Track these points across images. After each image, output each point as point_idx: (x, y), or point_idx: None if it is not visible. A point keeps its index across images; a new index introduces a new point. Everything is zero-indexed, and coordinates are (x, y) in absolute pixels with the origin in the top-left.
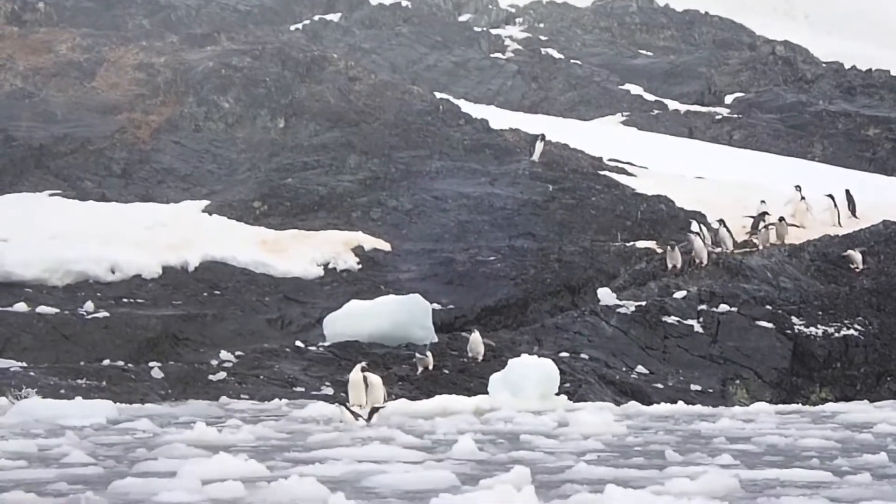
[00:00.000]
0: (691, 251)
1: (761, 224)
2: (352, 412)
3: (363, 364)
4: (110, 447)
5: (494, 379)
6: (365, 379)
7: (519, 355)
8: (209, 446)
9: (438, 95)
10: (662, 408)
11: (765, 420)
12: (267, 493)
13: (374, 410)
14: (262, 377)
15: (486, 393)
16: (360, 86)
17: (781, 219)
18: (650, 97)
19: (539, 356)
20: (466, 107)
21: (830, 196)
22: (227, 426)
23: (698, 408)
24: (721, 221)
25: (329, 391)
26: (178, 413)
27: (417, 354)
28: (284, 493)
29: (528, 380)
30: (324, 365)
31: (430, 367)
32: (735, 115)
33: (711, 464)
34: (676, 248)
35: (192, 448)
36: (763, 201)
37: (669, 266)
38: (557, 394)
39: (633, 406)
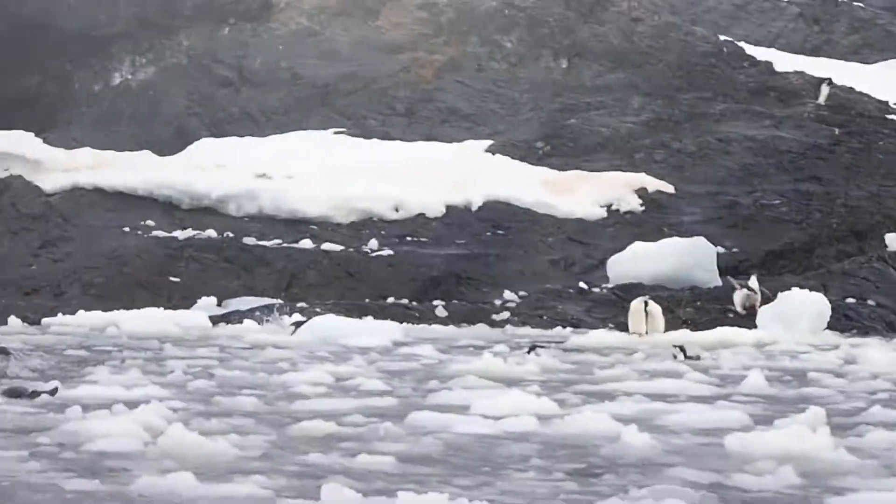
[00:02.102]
0: None
1: None
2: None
3: (646, 298)
4: (402, 376)
5: (765, 311)
6: (646, 306)
7: None
8: (497, 378)
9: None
10: None
11: None
12: (560, 426)
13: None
14: (544, 317)
15: None
16: (643, 27)
17: None
18: None
19: None
20: (748, 49)
21: None
22: (513, 356)
23: None
24: None
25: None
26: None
27: (748, 288)
28: (577, 428)
29: (801, 314)
30: (607, 306)
31: (756, 306)
32: None
33: None
34: None
35: (481, 380)
36: None
37: None
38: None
39: None
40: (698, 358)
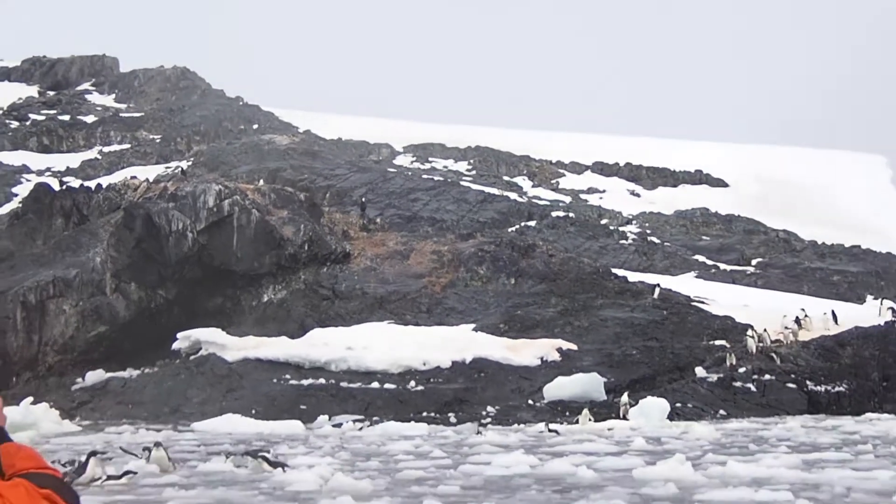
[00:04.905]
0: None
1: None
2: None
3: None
4: (444, 445)
5: (633, 411)
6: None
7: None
8: (496, 443)
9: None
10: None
11: None
12: (543, 468)
13: (551, 430)
14: (509, 420)
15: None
16: (556, 259)
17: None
18: (710, 262)
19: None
20: (610, 270)
21: (827, 313)
22: (492, 433)
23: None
24: (765, 329)
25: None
26: (463, 429)
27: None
28: (553, 469)
29: (653, 412)
30: (547, 412)
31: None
32: (758, 271)
33: None
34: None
35: (491, 446)
36: (803, 309)
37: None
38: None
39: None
40: (557, 433)
